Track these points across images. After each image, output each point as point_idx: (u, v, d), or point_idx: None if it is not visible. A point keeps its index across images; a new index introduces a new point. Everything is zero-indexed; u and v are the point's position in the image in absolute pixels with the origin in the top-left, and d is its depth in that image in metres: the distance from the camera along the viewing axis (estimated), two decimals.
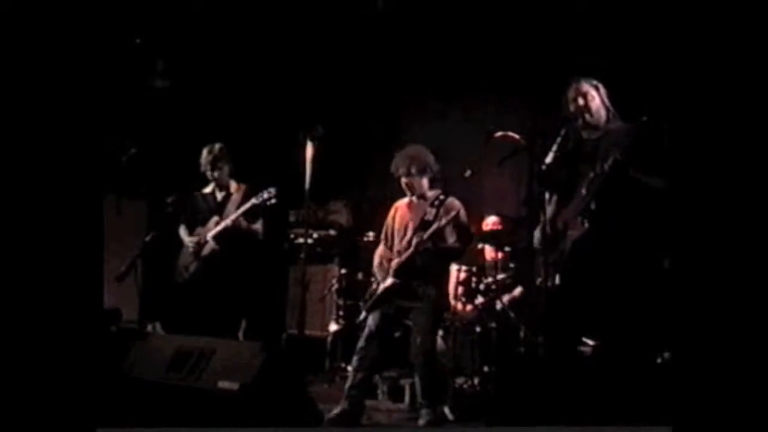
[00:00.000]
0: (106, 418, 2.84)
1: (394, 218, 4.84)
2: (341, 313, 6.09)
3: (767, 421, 2.12)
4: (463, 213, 4.64)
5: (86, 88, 2.63)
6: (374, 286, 4.71)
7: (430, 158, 4.70)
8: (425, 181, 4.68)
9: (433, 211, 4.53)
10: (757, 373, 2.15)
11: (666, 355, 3.39)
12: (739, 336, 2.19)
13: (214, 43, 6.64)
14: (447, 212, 4.54)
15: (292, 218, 6.91)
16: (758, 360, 2.16)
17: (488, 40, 6.27)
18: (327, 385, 5.70)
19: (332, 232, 6.86)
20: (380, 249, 4.90)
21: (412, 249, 4.50)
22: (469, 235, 4.70)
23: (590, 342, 3.87)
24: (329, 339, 6.07)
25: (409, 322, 4.75)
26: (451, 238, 4.59)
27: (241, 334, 5.39)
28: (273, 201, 4.99)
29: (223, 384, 3.37)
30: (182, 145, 6.10)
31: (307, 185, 4.33)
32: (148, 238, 5.06)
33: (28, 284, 2.40)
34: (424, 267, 4.53)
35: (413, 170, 4.63)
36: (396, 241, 4.73)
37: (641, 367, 3.21)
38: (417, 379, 4.54)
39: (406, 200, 4.83)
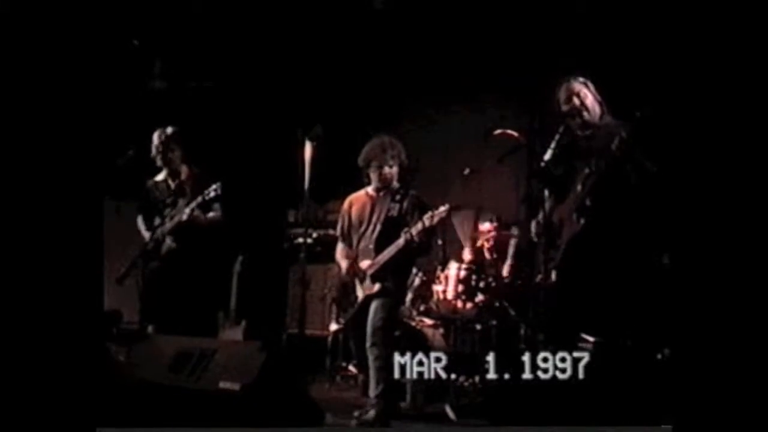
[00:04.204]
0: (108, 420, 2.84)
1: (350, 213, 4.60)
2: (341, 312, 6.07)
3: (767, 420, 2.12)
4: (424, 203, 4.38)
5: (84, 90, 2.62)
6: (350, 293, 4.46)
7: (402, 148, 4.49)
8: (397, 173, 4.47)
9: (397, 206, 4.37)
10: (758, 372, 2.15)
11: (666, 352, 3.39)
12: (739, 334, 2.19)
13: (211, 43, 6.63)
14: (412, 207, 4.35)
15: (291, 218, 6.91)
16: (758, 359, 2.16)
17: (487, 39, 6.27)
18: (328, 385, 5.70)
19: (332, 231, 6.78)
20: (340, 247, 4.69)
21: (392, 253, 4.28)
22: (433, 229, 4.34)
23: (590, 339, 3.87)
24: (330, 338, 6.06)
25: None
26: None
27: (241, 335, 5.38)
28: (218, 194, 4.76)
29: (225, 384, 3.37)
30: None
31: (306, 185, 4.34)
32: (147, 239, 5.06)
33: (29, 286, 2.40)
34: (394, 264, 4.36)
35: (392, 161, 4.41)
36: (356, 238, 4.51)
37: (641, 366, 3.20)
38: (372, 374, 4.26)
39: (362, 193, 4.62)
